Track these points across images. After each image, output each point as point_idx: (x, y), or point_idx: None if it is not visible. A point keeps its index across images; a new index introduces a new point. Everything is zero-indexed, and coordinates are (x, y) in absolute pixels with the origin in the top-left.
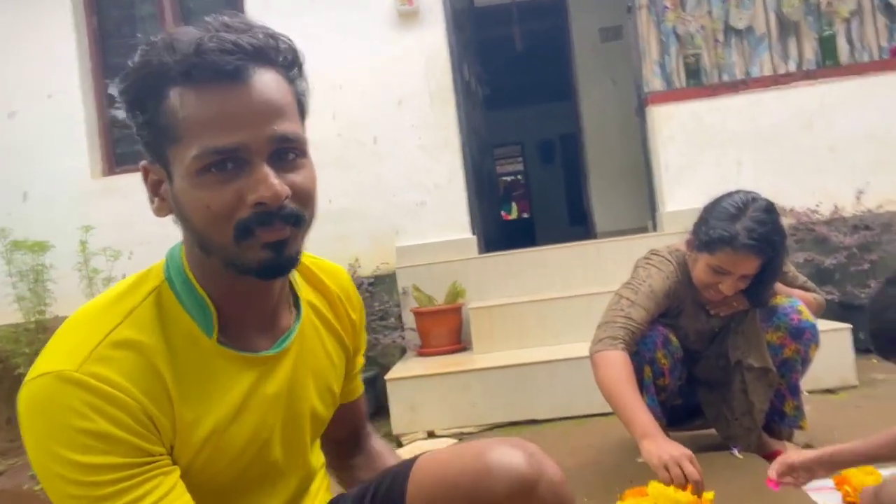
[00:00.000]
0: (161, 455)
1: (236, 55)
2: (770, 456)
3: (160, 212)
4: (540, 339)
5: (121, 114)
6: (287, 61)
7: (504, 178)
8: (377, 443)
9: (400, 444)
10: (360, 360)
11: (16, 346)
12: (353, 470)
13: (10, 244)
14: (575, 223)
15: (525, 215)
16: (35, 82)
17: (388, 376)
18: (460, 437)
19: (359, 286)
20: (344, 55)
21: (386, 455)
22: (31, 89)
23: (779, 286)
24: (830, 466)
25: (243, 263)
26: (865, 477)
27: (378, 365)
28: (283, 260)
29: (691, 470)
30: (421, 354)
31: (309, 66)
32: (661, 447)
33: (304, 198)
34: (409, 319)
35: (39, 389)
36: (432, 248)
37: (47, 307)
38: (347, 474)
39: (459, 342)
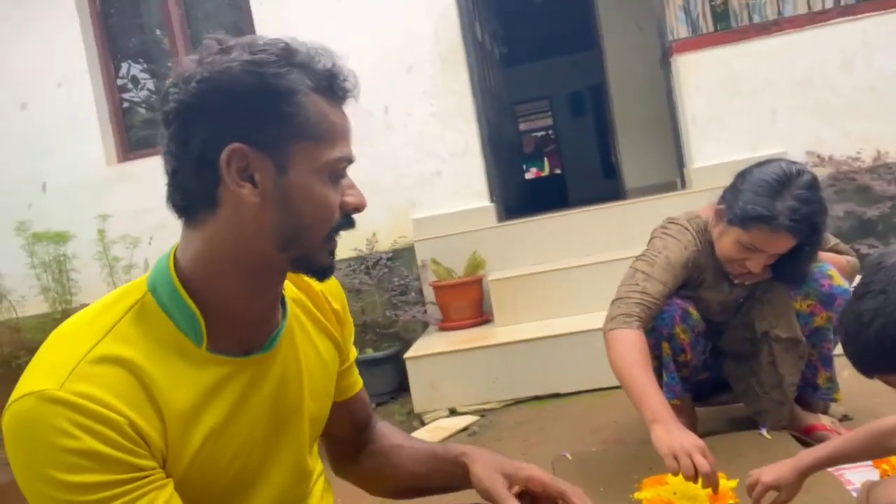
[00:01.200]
0: (153, 469)
1: (352, 82)
2: (805, 431)
3: (252, 196)
4: (564, 309)
5: (136, 97)
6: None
7: (535, 134)
8: (384, 429)
9: (422, 422)
10: (353, 352)
11: (43, 336)
12: (362, 468)
13: (32, 236)
14: (607, 177)
15: (557, 171)
16: (43, 71)
17: (407, 355)
18: (482, 413)
19: (377, 261)
20: (348, 21)
21: (394, 437)
22: (40, 79)
23: None
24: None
25: (316, 263)
26: None
27: (400, 340)
28: (334, 265)
29: (701, 461)
30: (442, 329)
31: (310, 35)
32: (672, 435)
33: None
34: (429, 293)
35: (23, 411)
36: (450, 218)
37: (73, 296)
38: (357, 474)
39: (481, 314)
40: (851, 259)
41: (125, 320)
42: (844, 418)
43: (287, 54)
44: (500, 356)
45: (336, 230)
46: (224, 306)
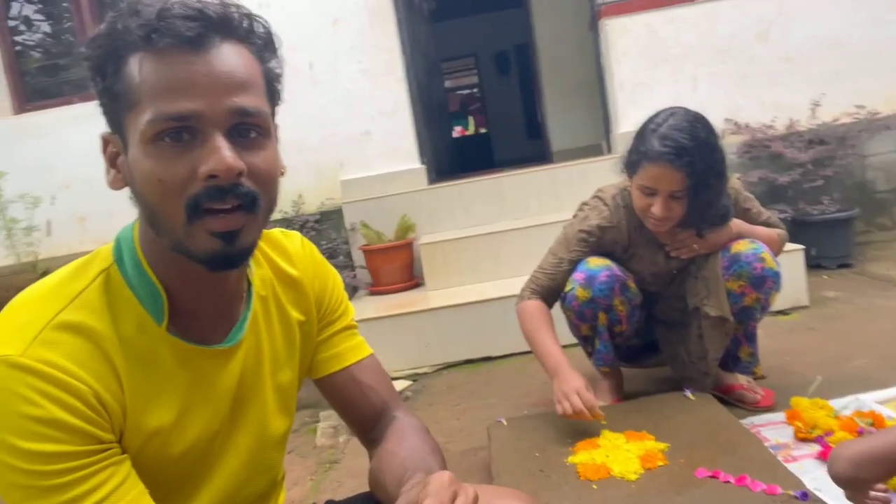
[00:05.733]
0: (111, 443)
1: (199, 22)
2: (724, 390)
3: (115, 184)
4: (494, 273)
5: (30, 41)
6: (259, 39)
7: (459, 92)
8: (398, 427)
9: None
10: (346, 319)
11: None
12: (371, 467)
13: None
14: (532, 137)
15: (482, 130)
16: None
17: None
18: (415, 378)
19: (304, 224)
20: None
21: (397, 440)
22: None
23: (741, 224)
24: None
25: (193, 250)
26: (816, 411)
27: None
28: (234, 251)
29: (576, 400)
30: (373, 293)
31: None
32: (560, 382)
33: (263, 180)
34: (358, 257)
35: None
36: (379, 180)
37: None
38: (373, 473)
39: (412, 278)
40: (782, 232)
41: (91, 288)
42: (759, 378)
43: (122, 17)
44: (432, 320)
45: (196, 202)
46: (180, 286)
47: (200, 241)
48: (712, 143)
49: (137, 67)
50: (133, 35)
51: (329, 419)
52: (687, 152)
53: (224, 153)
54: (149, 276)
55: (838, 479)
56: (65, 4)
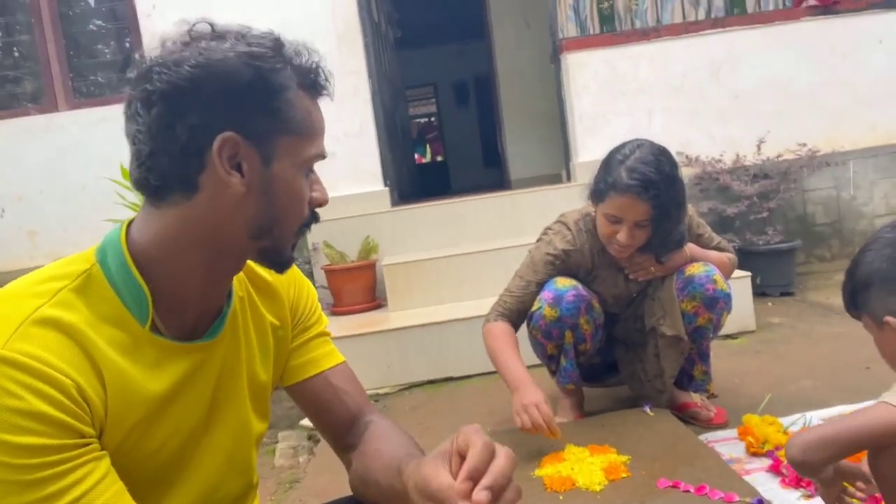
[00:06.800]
0: (92, 438)
1: (329, 80)
2: (679, 408)
3: (239, 188)
4: (456, 295)
5: None
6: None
7: (417, 120)
8: (377, 429)
9: None
10: (319, 326)
11: None
12: (351, 471)
13: None
14: (489, 165)
15: (439, 158)
16: None
17: None
18: (377, 398)
19: None
20: None
21: (381, 439)
22: None
23: (694, 248)
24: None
25: (282, 255)
26: (767, 427)
27: None
28: (294, 259)
29: (535, 414)
30: (335, 313)
31: (202, 4)
32: (520, 396)
33: None
34: (320, 277)
35: None
36: (343, 201)
37: None
38: (349, 477)
39: (374, 299)
40: (732, 256)
41: (70, 287)
42: (711, 396)
43: (278, 48)
44: (394, 341)
45: (306, 224)
46: (175, 288)
47: (290, 250)
48: (675, 176)
49: (307, 104)
50: (301, 73)
51: (288, 440)
52: (653, 185)
53: (325, 188)
54: (135, 278)
55: (792, 464)
56: (19, 17)
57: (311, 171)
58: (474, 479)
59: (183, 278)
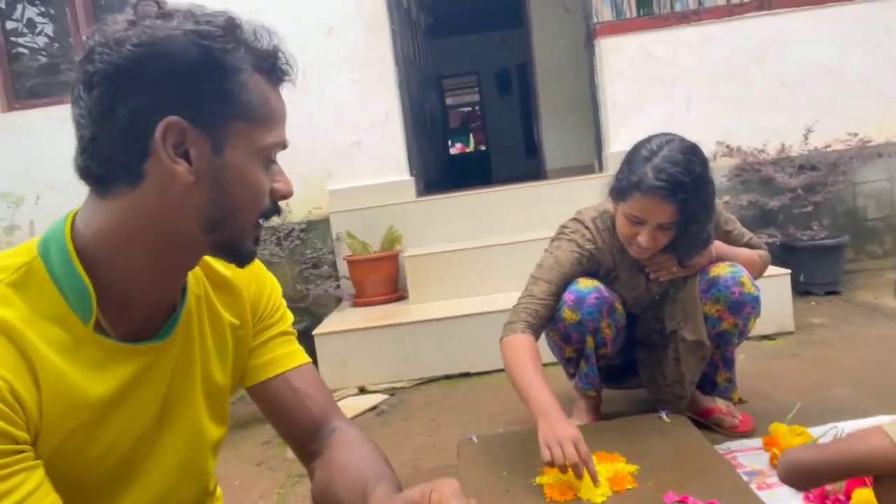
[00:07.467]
0: (25, 444)
1: (291, 65)
2: (702, 413)
3: (186, 176)
4: (478, 288)
5: (25, 43)
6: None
7: (462, 109)
8: (343, 438)
9: None
10: (283, 325)
11: None
12: (314, 480)
13: None
14: (530, 156)
15: (482, 147)
16: None
17: (316, 331)
18: (392, 392)
19: (289, 233)
20: None
21: (348, 450)
22: None
23: (720, 247)
24: None
25: (240, 249)
26: (794, 438)
27: (311, 315)
28: (256, 251)
29: (571, 451)
30: (356, 304)
31: None
32: (553, 426)
33: None
34: (343, 268)
35: None
36: (367, 191)
37: None
38: (312, 487)
39: (396, 291)
40: (763, 254)
41: (7, 282)
42: (739, 401)
43: (231, 29)
44: (412, 334)
45: (264, 216)
46: (123, 285)
47: (250, 243)
48: (706, 178)
49: (264, 89)
50: (258, 56)
51: None
52: (682, 188)
53: (289, 179)
54: (78, 273)
55: (781, 480)
56: (66, 10)
57: (273, 161)
58: None
59: (130, 274)
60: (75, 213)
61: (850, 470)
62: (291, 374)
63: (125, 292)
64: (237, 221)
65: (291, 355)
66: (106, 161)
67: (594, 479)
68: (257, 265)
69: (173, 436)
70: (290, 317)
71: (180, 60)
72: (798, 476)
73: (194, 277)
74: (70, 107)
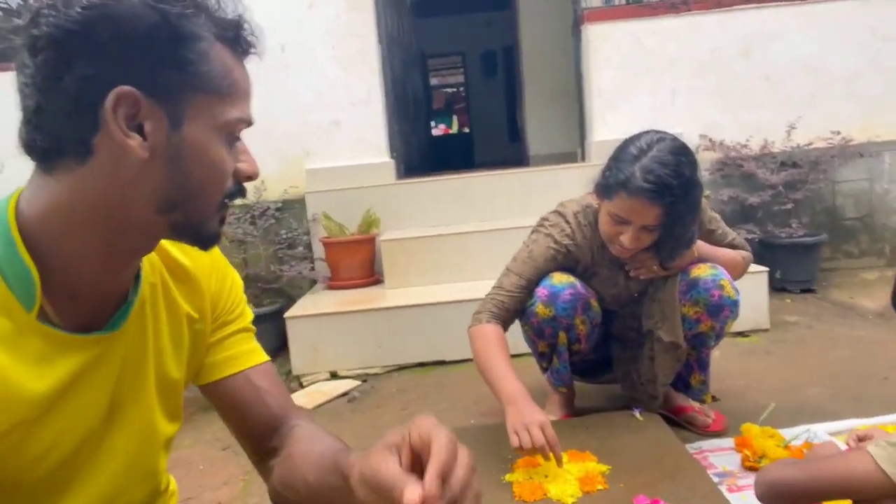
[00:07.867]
0: None
1: (257, 37)
2: (675, 411)
3: (141, 152)
4: (456, 274)
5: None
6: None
7: (446, 90)
8: (302, 432)
9: (301, 385)
10: (243, 321)
11: None
12: (272, 479)
13: None
14: (514, 140)
15: (466, 130)
16: None
17: (288, 314)
18: (364, 378)
19: (264, 211)
20: None
21: (308, 441)
22: None
23: (703, 247)
24: None
25: (203, 231)
26: (766, 440)
27: (284, 297)
28: (221, 234)
29: (538, 434)
30: (331, 287)
31: None
32: (521, 412)
33: None
34: (318, 249)
35: None
36: (346, 171)
37: None
38: (269, 487)
39: (373, 274)
40: (746, 254)
41: None
42: (712, 399)
43: None
44: (387, 320)
45: (229, 197)
46: (70, 270)
47: (213, 225)
48: (695, 181)
49: (226, 60)
50: (221, 24)
51: None
52: (670, 191)
53: (254, 159)
54: (21, 258)
55: (758, 498)
56: None
57: (237, 139)
58: (444, 477)
59: (78, 258)
60: (20, 192)
61: (834, 493)
62: (251, 371)
63: (73, 278)
64: (198, 203)
65: (251, 353)
66: (52, 134)
67: (559, 462)
68: (218, 256)
69: (122, 434)
70: (249, 314)
71: (134, 25)
72: (777, 495)
73: (150, 264)
74: (15, 76)
